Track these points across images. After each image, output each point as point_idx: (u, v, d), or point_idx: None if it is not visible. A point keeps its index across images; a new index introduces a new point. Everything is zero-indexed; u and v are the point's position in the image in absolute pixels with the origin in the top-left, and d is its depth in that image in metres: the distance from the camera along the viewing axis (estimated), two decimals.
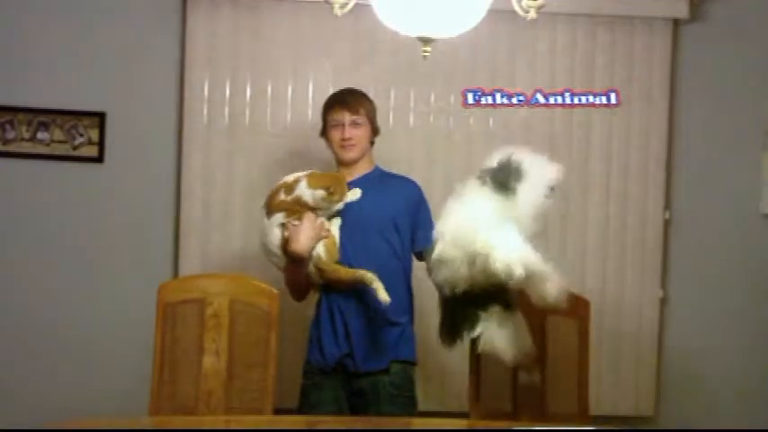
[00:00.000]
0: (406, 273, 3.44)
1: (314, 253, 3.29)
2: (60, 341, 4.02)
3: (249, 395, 3.35)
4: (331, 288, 3.37)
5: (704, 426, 4.12)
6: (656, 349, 4.18)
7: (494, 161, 3.18)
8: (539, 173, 3.14)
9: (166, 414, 3.31)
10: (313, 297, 3.47)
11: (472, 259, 3.07)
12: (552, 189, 3.17)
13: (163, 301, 3.38)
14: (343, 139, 3.39)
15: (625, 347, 4.16)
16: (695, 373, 4.19)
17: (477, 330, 3.16)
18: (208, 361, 3.35)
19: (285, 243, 3.29)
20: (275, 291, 3.41)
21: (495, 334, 3.15)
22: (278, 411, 3.40)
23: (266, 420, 3.23)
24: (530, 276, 3.04)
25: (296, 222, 3.28)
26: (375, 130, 3.49)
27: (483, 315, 3.15)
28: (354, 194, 3.36)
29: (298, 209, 3.31)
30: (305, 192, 3.31)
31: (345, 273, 3.30)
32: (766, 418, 4.13)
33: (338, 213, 3.36)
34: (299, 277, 3.35)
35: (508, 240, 3.05)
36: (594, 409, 3.65)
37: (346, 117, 3.40)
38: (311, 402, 3.39)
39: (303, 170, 3.38)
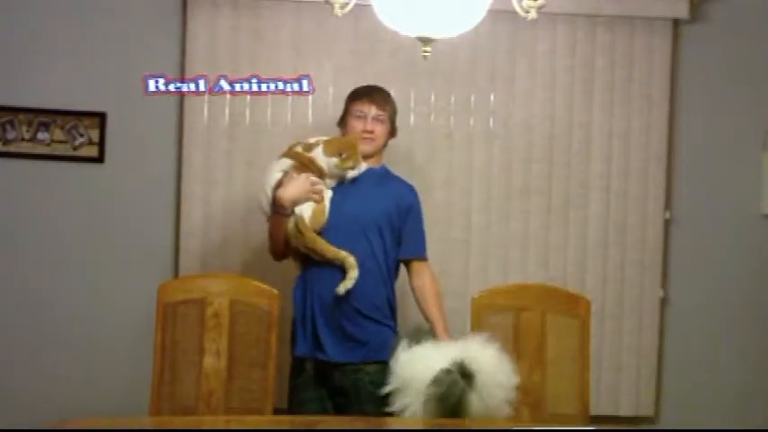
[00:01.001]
0: (383, 275, 3.42)
1: (297, 211, 3.31)
2: (60, 341, 4.02)
3: (249, 395, 3.36)
4: (307, 268, 3.38)
5: (705, 426, 4.12)
6: (656, 349, 4.17)
7: (454, 352, 3.10)
8: (490, 394, 3.06)
9: (167, 414, 3.31)
10: None
11: None
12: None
13: (163, 300, 3.39)
14: (365, 131, 3.42)
15: (625, 347, 4.15)
16: (696, 374, 4.19)
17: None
18: (208, 361, 3.36)
19: (277, 187, 3.34)
20: (275, 291, 3.42)
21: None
22: (278, 411, 3.41)
23: (266, 420, 3.24)
24: None
25: (296, 175, 3.33)
26: (393, 131, 3.52)
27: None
28: (360, 168, 3.40)
29: (309, 167, 3.35)
30: (321, 158, 3.36)
31: (324, 247, 3.31)
32: (766, 418, 4.13)
33: (333, 188, 3.39)
34: (279, 230, 3.37)
35: None
36: (595, 410, 3.66)
37: (372, 110, 3.44)
38: (297, 401, 3.40)
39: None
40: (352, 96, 3.51)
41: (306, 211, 3.32)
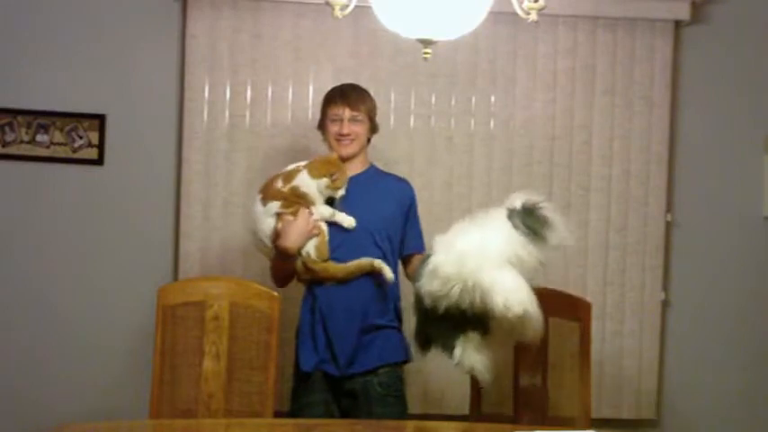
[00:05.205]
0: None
1: (303, 251, 3.29)
2: (60, 344, 4.01)
3: (249, 398, 3.35)
4: (317, 285, 3.35)
5: (707, 429, 4.11)
6: (657, 352, 4.16)
7: (518, 202, 3.12)
8: (559, 228, 3.12)
9: (166, 417, 3.30)
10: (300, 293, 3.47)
11: (471, 285, 3.00)
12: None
13: (163, 303, 3.38)
14: (341, 135, 3.39)
15: (627, 350, 4.15)
16: (697, 376, 4.18)
17: (456, 355, 3.10)
18: (208, 364, 3.35)
19: (276, 235, 3.29)
20: (275, 293, 3.42)
21: (473, 357, 3.11)
22: (278, 414, 3.40)
23: (266, 423, 3.23)
24: (521, 319, 3.03)
25: (290, 218, 3.28)
26: (374, 128, 3.48)
27: (459, 338, 3.09)
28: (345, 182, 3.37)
29: (295, 200, 3.30)
30: (308, 183, 3.30)
31: (338, 270, 3.29)
32: None
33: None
34: (284, 271, 3.37)
35: (513, 280, 3.03)
36: (596, 413, 3.65)
37: (346, 112, 3.39)
38: (300, 404, 3.38)
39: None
40: (327, 100, 3.46)
41: (310, 248, 3.29)
